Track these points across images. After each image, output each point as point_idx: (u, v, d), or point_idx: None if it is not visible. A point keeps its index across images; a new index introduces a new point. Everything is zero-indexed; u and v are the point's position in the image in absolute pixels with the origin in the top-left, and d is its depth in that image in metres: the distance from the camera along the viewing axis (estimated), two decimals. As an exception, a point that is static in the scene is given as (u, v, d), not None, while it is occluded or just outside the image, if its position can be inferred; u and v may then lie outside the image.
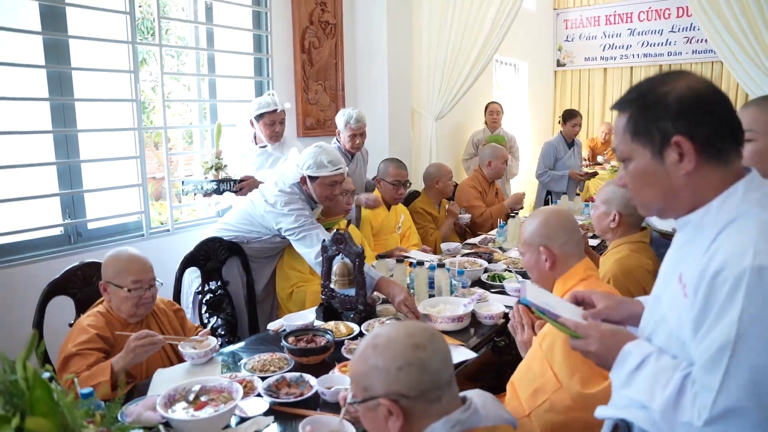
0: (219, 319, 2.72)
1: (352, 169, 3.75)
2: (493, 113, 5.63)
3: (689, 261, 1.07)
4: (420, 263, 2.59)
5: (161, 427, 1.44)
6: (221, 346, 2.25)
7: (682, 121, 1.05)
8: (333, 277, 2.32)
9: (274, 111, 3.26)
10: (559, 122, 5.62)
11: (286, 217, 2.64)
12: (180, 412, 1.55)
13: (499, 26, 4.78)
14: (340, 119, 3.64)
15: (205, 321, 2.66)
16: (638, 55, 7.70)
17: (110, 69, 3.20)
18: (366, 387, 1.18)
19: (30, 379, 1.12)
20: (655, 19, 7.53)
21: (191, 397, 1.61)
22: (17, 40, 2.85)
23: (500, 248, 3.59)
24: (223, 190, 3.07)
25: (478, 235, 4.03)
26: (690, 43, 7.30)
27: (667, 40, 7.47)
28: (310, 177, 2.67)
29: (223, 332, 2.73)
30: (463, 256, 3.29)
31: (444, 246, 3.49)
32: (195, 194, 3.15)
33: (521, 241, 1.90)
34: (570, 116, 5.44)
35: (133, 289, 2.02)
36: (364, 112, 4.44)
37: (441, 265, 2.62)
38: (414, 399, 1.14)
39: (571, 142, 5.50)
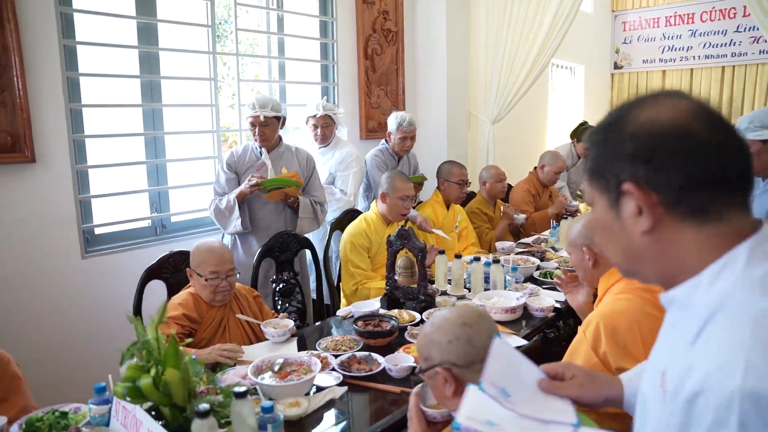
0: (290, 306, 2.96)
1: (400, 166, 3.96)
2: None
3: (673, 357, 0.79)
4: (477, 259, 2.77)
5: (257, 388, 1.68)
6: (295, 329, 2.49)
7: (638, 163, 0.78)
8: (397, 270, 2.52)
9: (315, 115, 3.55)
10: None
11: None
12: (267, 379, 1.79)
13: (556, 30, 4.87)
14: (392, 122, 3.84)
15: (278, 307, 2.91)
16: (699, 56, 7.58)
17: (194, 77, 3.51)
18: (427, 357, 1.39)
19: (160, 339, 1.38)
20: (719, 19, 7.39)
21: (276, 368, 1.86)
22: (117, 53, 3.20)
23: (552, 248, 3.71)
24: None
25: (532, 235, 4.16)
26: (757, 43, 7.13)
27: (732, 40, 7.33)
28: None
29: (294, 318, 2.97)
30: (516, 254, 3.44)
31: (499, 245, 3.65)
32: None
33: (568, 242, 2.04)
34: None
35: (210, 279, 2.27)
36: (419, 116, 4.68)
37: (496, 261, 2.79)
38: (463, 368, 1.33)
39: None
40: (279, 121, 3.09)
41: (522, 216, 4.19)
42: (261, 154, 3.11)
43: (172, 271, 2.63)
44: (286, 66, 4.06)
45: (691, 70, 7.68)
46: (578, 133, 5.21)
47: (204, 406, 1.34)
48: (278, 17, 3.96)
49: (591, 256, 1.94)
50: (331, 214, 3.56)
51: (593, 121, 7.87)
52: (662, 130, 0.77)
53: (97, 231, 3.14)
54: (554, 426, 1.02)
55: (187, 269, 2.34)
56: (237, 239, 3.16)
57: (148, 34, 3.26)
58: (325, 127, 3.59)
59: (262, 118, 2.98)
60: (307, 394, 1.79)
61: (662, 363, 0.83)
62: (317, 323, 2.56)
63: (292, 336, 2.30)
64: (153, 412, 1.46)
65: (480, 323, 1.38)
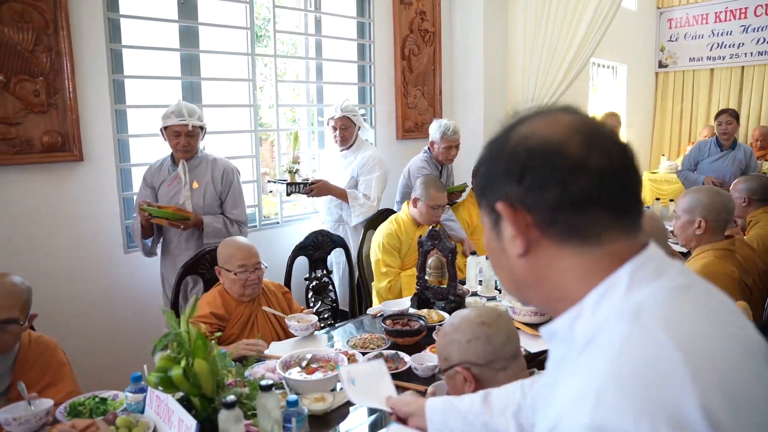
0: (323, 304, 3.02)
1: (443, 178, 3.87)
2: (615, 128, 5.22)
3: (550, 397, 0.74)
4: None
5: (284, 382, 1.73)
6: (326, 327, 2.55)
7: (511, 182, 0.73)
8: (428, 270, 2.54)
9: (332, 117, 3.49)
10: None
11: None
12: (295, 374, 1.84)
13: (595, 29, 4.79)
14: (435, 130, 3.71)
15: (311, 304, 2.97)
16: (752, 53, 7.29)
17: (233, 78, 3.60)
18: (446, 357, 1.41)
19: (191, 333, 1.44)
20: (775, 14, 7.10)
21: (304, 363, 1.90)
22: (160, 56, 3.31)
23: None
24: (291, 192, 3.33)
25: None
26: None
27: (788, 36, 7.03)
28: (163, 130, 2.83)
29: (326, 315, 3.03)
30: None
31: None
32: (274, 193, 3.53)
33: (684, 205, 2.01)
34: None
35: (239, 272, 2.33)
36: (455, 117, 4.67)
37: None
38: (482, 367, 1.35)
39: None
40: (202, 131, 2.90)
41: None
42: (173, 169, 2.90)
43: (209, 267, 2.72)
44: (324, 67, 4.12)
45: (742, 68, 7.41)
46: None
47: (231, 397, 1.39)
48: (316, 19, 4.03)
49: (703, 228, 2.19)
50: (355, 219, 3.50)
51: (636, 121, 7.70)
52: (537, 146, 0.71)
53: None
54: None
55: (216, 267, 2.41)
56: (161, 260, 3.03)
57: (189, 37, 3.37)
58: (344, 129, 3.49)
59: (190, 127, 2.78)
60: (333, 389, 1.83)
61: (547, 402, 0.77)
62: (348, 321, 2.60)
63: (316, 331, 2.35)
64: (184, 403, 1.52)
65: (498, 322, 1.39)
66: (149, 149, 3.34)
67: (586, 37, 4.80)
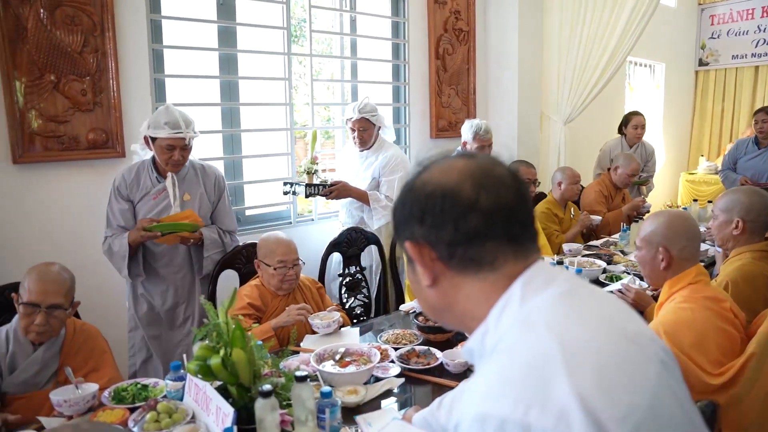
0: (356, 300, 3.06)
1: None
2: (637, 127, 5.08)
3: None
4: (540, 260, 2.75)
5: (318, 374, 1.77)
6: (358, 322, 2.59)
7: (414, 223, 0.84)
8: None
9: (351, 118, 3.36)
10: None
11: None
12: (329, 367, 1.88)
13: (633, 27, 4.72)
14: (467, 130, 3.69)
15: (344, 300, 3.02)
16: (800, 50, 7.07)
17: (270, 77, 3.67)
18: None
19: (229, 323, 1.49)
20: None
21: (337, 356, 1.94)
22: (199, 55, 3.40)
23: (621, 251, 3.62)
24: (310, 194, 3.21)
25: (601, 238, 4.07)
26: None
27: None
28: (151, 140, 2.53)
29: (359, 311, 3.07)
30: (583, 256, 3.38)
31: (566, 246, 3.59)
32: (291, 194, 3.35)
33: (640, 236, 1.98)
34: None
35: (278, 268, 2.39)
36: (489, 116, 4.66)
37: (560, 263, 2.76)
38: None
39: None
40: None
41: (598, 218, 4.10)
42: (159, 180, 2.61)
43: (245, 262, 2.79)
44: (359, 66, 4.16)
45: (789, 65, 7.18)
46: (624, 122, 5.08)
47: (267, 386, 1.44)
48: (351, 18, 4.07)
49: (666, 258, 1.88)
50: (376, 222, 3.40)
51: (674, 120, 7.54)
52: (433, 191, 0.82)
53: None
54: None
55: (255, 260, 2.47)
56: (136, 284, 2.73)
57: (227, 37, 3.45)
58: (363, 131, 3.37)
59: (187, 140, 2.52)
60: (366, 383, 1.87)
61: None
62: (381, 317, 2.64)
63: (347, 327, 2.39)
64: (221, 391, 1.58)
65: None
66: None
67: (623, 36, 4.74)
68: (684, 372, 1.59)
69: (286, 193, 3.36)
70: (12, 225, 2.77)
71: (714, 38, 7.75)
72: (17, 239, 2.78)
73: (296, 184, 3.27)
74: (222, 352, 1.47)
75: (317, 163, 3.26)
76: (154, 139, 2.51)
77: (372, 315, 3.19)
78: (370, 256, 3.30)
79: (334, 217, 3.96)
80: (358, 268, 3.11)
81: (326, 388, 1.57)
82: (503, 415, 0.68)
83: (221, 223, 2.76)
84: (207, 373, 1.51)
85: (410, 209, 0.84)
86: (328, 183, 3.23)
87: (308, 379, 1.50)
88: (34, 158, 2.78)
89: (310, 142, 3.34)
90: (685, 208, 4.61)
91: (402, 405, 1.79)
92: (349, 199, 3.39)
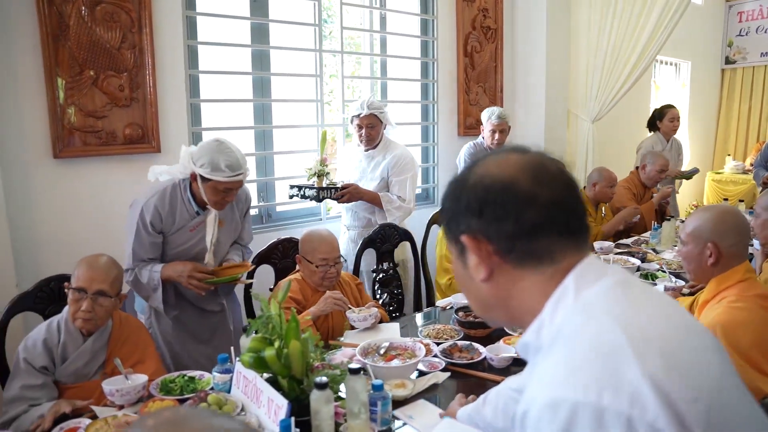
0: (389, 296, 3.07)
1: None
2: (674, 120, 4.93)
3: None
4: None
5: (367, 368, 1.77)
6: (392, 318, 2.59)
7: (471, 216, 0.83)
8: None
9: (359, 115, 3.19)
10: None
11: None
12: (373, 361, 1.89)
13: (664, 25, 4.67)
14: (483, 115, 3.81)
15: (377, 296, 3.02)
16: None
17: (301, 74, 3.69)
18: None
19: (282, 315, 1.49)
20: None
21: (382, 351, 1.95)
22: (233, 52, 3.43)
23: (654, 249, 3.59)
24: (323, 198, 3.08)
25: (631, 236, 4.03)
26: None
27: None
28: (202, 177, 2.24)
29: (391, 307, 3.08)
30: (616, 254, 3.35)
31: (597, 245, 3.56)
32: (300, 197, 3.16)
33: (686, 231, 1.91)
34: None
35: (320, 265, 2.40)
36: (516, 114, 4.64)
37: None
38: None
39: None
40: None
41: (637, 215, 4.08)
42: (198, 213, 2.37)
43: (281, 257, 2.80)
44: (388, 63, 4.16)
45: (819, 63, 7.07)
46: (657, 116, 4.95)
47: (323, 378, 1.44)
48: (381, 16, 4.07)
49: (714, 254, 1.81)
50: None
51: (699, 119, 7.45)
52: (492, 184, 0.83)
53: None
54: None
55: (297, 255, 2.49)
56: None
57: (260, 34, 3.47)
58: (371, 128, 3.21)
59: (244, 180, 2.33)
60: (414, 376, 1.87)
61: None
62: (417, 313, 2.64)
63: (384, 322, 2.39)
64: (271, 384, 1.58)
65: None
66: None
67: (653, 35, 4.69)
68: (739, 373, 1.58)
69: (292, 197, 3.20)
70: (53, 218, 2.82)
71: (742, 36, 7.64)
72: (58, 232, 2.83)
73: (305, 187, 3.11)
74: (277, 344, 1.48)
75: (327, 165, 3.14)
76: (205, 179, 2.24)
77: (403, 311, 3.19)
78: (402, 252, 3.30)
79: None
80: (391, 264, 3.12)
81: (378, 381, 1.57)
82: (575, 399, 0.69)
83: (241, 238, 2.62)
84: (260, 365, 1.52)
85: (467, 203, 0.84)
86: (339, 186, 3.11)
87: (362, 372, 1.50)
88: (74, 153, 2.82)
89: (320, 142, 3.20)
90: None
91: (447, 399, 1.79)
92: (360, 201, 3.23)
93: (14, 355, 2.13)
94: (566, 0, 4.73)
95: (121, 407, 1.74)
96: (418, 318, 2.54)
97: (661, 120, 4.94)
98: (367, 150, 3.31)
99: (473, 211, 0.83)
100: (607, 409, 0.67)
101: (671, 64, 7.11)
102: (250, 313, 2.74)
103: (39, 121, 2.74)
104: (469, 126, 4.49)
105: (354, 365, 1.51)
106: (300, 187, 3.12)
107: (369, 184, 3.27)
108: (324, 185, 3.08)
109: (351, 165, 3.40)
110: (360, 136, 3.25)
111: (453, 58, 4.37)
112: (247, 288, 2.70)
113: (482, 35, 4.48)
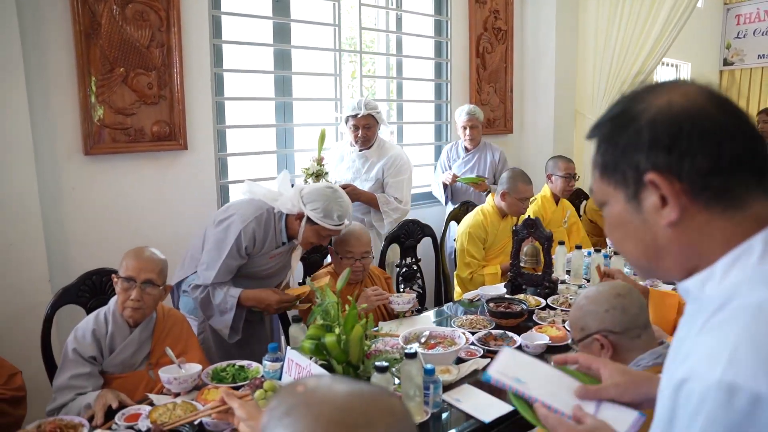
0: (411, 290, 3.14)
1: (465, 161, 3.97)
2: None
3: (681, 346, 0.79)
4: (597, 251, 2.82)
5: (418, 350, 1.84)
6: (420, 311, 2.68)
7: (658, 151, 0.74)
8: (522, 257, 2.63)
9: (356, 115, 3.19)
10: None
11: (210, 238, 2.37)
12: (416, 348, 1.95)
13: (670, 28, 4.78)
14: (455, 114, 3.97)
15: (400, 290, 3.09)
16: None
17: (321, 73, 3.76)
18: (582, 327, 1.50)
19: (341, 303, 1.56)
20: None
21: (423, 339, 2.02)
22: (255, 51, 3.49)
23: None
24: None
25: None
26: None
27: None
28: (309, 219, 2.33)
29: (413, 288, 3.16)
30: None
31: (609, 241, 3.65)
32: None
33: None
34: None
35: (346, 258, 2.47)
36: (525, 114, 4.72)
37: (616, 254, 2.83)
38: (619, 334, 1.44)
39: None
40: None
41: None
42: (284, 243, 2.46)
43: (311, 250, 2.86)
44: (404, 63, 4.23)
45: (816, 65, 7.21)
46: None
47: (383, 362, 1.51)
48: (397, 17, 4.14)
49: None
50: (388, 225, 3.28)
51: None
52: (681, 114, 0.73)
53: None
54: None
55: (329, 248, 2.55)
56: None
57: (282, 34, 3.53)
58: (368, 128, 3.21)
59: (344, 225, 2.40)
60: (458, 362, 1.94)
61: (679, 351, 0.80)
62: (446, 305, 2.71)
63: (415, 309, 2.47)
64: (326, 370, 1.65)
65: (631, 294, 1.49)
66: (244, 140, 3.52)
67: (660, 36, 4.79)
68: None
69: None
70: (83, 214, 2.86)
71: (740, 38, 7.78)
72: (88, 227, 2.87)
73: None
74: (336, 330, 1.55)
75: (323, 165, 3.15)
76: (312, 221, 2.32)
77: (425, 305, 3.26)
78: (423, 248, 3.37)
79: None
80: (414, 259, 3.19)
81: (429, 366, 1.64)
82: (758, 391, 0.62)
83: None
84: (319, 351, 1.58)
85: (652, 136, 0.74)
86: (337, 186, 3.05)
87: (418, 356, 1.57)
88: (104, 150, 2.86)
89: (319, 141, 3.18)
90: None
91: (488, 384, 1.86)
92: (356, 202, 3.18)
93: (58, 346, 2.19)
94: (575, 1, 4.82)
95: (177, 395, 1.80)
96: (446, 310, 2.61)
97: None
98: (361, 150, 3.30)
99: (661, 145, 0.73)
100: None
101: (672, 65, 7.23)
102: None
103: (70, 117, 2.78)
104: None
105: (410, 349, 1.58)
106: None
107: (363, 185, 3.27)
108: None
109: (344, 165, 3.38)
110: (356, 136, 3.24)
111: (465, 58, 4.45)
112: None
113: (493, 36, 4.56)
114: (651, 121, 0.75)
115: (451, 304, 2.82)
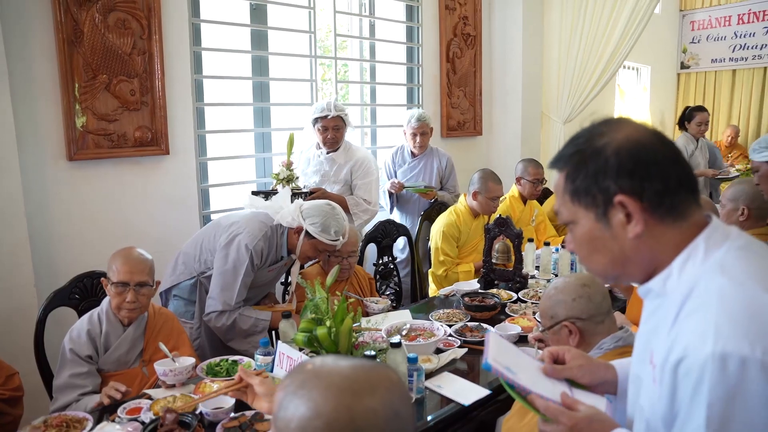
0: (388, 288, 3.28)
1: (411, 167, 3.86)
2: (701, 124, 5.33)
3: (658, 338, 0.95)
4: (563, 246, 3.01)
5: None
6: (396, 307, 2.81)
7: (624, 177, 0.91)
8: (495, 254, 2.79)
9: (326, 117, 3.22)
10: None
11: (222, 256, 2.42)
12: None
13: (630, 33, 5.02)
14: (404, 120, 3.80)
15: (378, 288, 3.22)
16: (775, 54, 7.50)
17: (298, 79, 3.86)
18: (552, 316, 1.66)
19: (328, 298, 1.68)
20: (800, 15, 7.30)
21: (404, 332, 2.16)
22: (234, 58, 3.58)
23: None
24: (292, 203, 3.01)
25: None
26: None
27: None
28: (307, 233, 2.43)
29: (391, 298, 3.28)
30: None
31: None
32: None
33: (726, 197, 2.33)
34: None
35: (334, 257, 2.60)
36: (494, 116, 4.90)
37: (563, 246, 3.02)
38: (585, 321, 1.60)
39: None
40: None
41: None
42: (282, 257, 2.56)
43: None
44: (377, 69, 4.37)
45: (765, 68, 7.56)
46: (686, 116, 5.36)
47: (372, 352, 1.64)
48: (370, 23, 4.28)
49: (746, 215, 2.50)
50: (358, 226, 3.31)
51: (659, 121, 7.91)
52: (639, 146, 0.92)
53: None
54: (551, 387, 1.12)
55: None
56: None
57: (259, 40, 3.62)
58: (336, 130, 3.25)
59: (339, 244, 2.47)
60: (437, 352, 2.08)
61: (648, 345, 0.99)
62: (421, 300, 2.86)
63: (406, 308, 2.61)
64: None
65: (596, 283, 1.65)
66: (223, 144, 3.61)
67: (620, 41, 5.03)
68: None
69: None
70: (67, 218, 2.91)
71: (695, 43, 8.14)
72: (72, 231, 2.93)
73: (271, 192, 3.00)
74: (328, 323, 1.67)
75: (292, 169, 3.15)
76: (310, 235, 2.42)
77: (401, 302, 3.40)
78: (400, 247, 3.51)
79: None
80: (390, 258, 3.32)
81: (413, 355, 1.78)
82: (743, 354, 0.78)
83: None
84: (311, 343, 1.71)
85: (617, 164, 0.91)
86: (306, 190, 3.09)
87: (402, 346, 1.71)
88: (87, 155, 2.92)
89: (287, 145, 3.17)
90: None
91: (466, 371, 2.01)
92: None
93: (51, 348, 2.26)
94: (540, 8, 5.03)
95: (172, 387, 1.89)
96: (423, 306, 2.75)
97: (690, 122, 5.34)
98: (329, 153, 3.33)
99: (626, 172, 0.91)
100: None
101: (632, 68, 7.54)
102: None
103: (54, 124, 2.84)
104: (451, 128, 4.74)
105: (395, 339, 1.71)
106: (266, 194, 2.95)
107: (331, 187, 3.30)
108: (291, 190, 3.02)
109: (310, 168, 3.38)
110: (325, 137, 3.26)
111: (436, 63, 4.61)
112: None
113: (463, 42, 4.73)
114: (616, 152, 0.92)
115: (427, 299, 2.96)
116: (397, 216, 3.92)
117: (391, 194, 3.87)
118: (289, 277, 2.81)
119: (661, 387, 0.89)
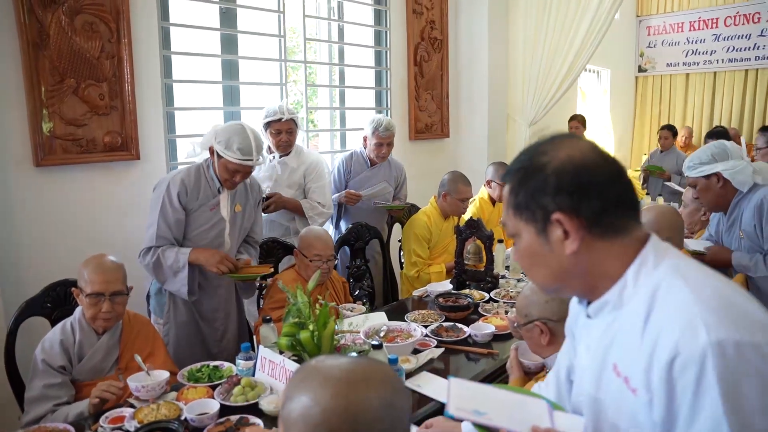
0: (361, 290, 3.31)
1: (368, 176, 3.62)
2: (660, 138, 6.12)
3: (621, 348, 0.95)
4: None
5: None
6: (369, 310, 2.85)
7: (562, 196, 0.93)
8: (466, 255, 2.86)
9: (279, 120, 3.16)
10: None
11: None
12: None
13: (592, 37, 5.18)
14: (368, 126, 3.56)
15: (351, 290, 3.26)
16: (723, 60, 7.83)
17: (268, 83, 3.87)
18: (526, 314, 1.73)
19: (311, 302, 1.72)
20: (743, 24, 7.62)
21: (382, 333, 2.20)
22: (202, 61, 3.56)
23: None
24: None
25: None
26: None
27: (756, 44, 7.55)
28: (217, 153, 2.44)
29: (364, 301, 3.32)
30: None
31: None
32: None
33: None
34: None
35: (314, 261, 2.62)
36: (461, 118, 4.98)
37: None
38: (556, 322, 1.67)
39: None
40: None
41: None
42: (219, 191, 2.54)
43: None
44: (346, 72, 4.40)
45: (715, 73, 7.93)
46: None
47: (354, 354, 1.68)
48: (339, 27, 4.30)
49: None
50: None
51: (619, 123, 8.15)
52: (578, 166, 0.94)
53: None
54: (533, 405, 1.13)
55: (295, 249, 2.69)
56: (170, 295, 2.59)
57: (229, 44, 3.62)
58: (290, 133, 3.18)
59: (255, 168, 2.52)
60: (414, 352, 2.13)
61: (607, 362, 0.98)
62: (395, 302, 2.90)
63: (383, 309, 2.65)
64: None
65: None
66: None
67: (582, 45, 5.19)
68: None
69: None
70: (34, 226, 2.85)
71: (651, 47, 8.44)
72: (39, 239, 2.87)
73: None
74: (311, 326, 1.70)
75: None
76: (219, 155, 2.42)
77: (374, 303, 3.44)
78: (371, 250, 3.55)
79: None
80: (363, 260, 3.36)
81: (393, 356, 1.82)
82: (735, 338, 0.81)
83: (253, 232, 2.79)
84: (294, 346, 1.73)
85: (556, 183, 0.93)
86: (263, 196, 3.02)
87: (383, 347, 1.75)
88: (54, 161, 2.87)
89: None
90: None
91: (443, 370, 2.07)
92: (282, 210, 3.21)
93: (22, 359, 2.22)
94: (504, 13, 5.15)
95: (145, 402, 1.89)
96: (398, 307, 2.80)
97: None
98: (281, 157, 3.27)
99: (564, 191, 0.93)
100: (762, 345, 0.81)
101: (593, 71, 7.76)
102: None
103: (19, 129, 2.78)
104: (419, 130, 4.80)
105: (375, 341, 1.75)
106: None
107: (284, 192, 3.23)
108: None
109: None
110: (279, 141, 3.19)
111: (404, 67, 4.67)
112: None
113: (430, 46, 4.81)
114: (555, 171, 0.94)
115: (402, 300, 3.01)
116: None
117: (339, 205, 3.63)
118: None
119: (648, 392, 0.88)
